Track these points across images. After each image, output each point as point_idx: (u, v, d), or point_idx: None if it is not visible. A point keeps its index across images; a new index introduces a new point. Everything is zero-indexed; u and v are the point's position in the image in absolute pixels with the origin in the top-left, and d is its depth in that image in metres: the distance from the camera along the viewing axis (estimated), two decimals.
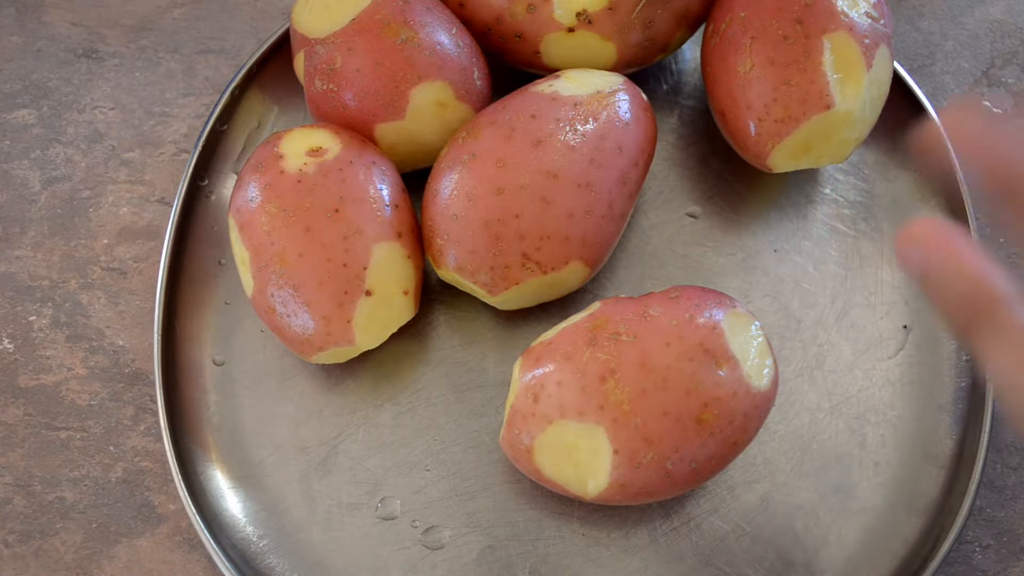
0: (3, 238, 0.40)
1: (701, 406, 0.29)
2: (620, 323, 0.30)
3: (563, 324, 0.32)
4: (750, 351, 0.30)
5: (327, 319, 0.32)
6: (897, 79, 0.39)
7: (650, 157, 0.35)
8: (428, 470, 0.35)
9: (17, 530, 0.36)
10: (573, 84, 0.34)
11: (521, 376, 0.31)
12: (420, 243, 0.35)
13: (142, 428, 0.37)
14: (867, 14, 0.34)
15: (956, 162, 0.38)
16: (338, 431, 0.36)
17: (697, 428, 0.29)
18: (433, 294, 0.38)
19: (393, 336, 0.34)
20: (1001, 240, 0.40)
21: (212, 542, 0.33)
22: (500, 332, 0.37)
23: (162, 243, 0.38)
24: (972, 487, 0.33)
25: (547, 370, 0.30)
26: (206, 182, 0.40)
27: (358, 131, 0.35)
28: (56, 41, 0.44)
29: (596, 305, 0.32)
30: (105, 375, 0.38)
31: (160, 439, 0.36)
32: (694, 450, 0.29)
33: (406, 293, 0.34)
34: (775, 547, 0.34)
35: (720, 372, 0.29)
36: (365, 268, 0.32)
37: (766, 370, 0.31)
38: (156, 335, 0.36)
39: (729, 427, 0.30)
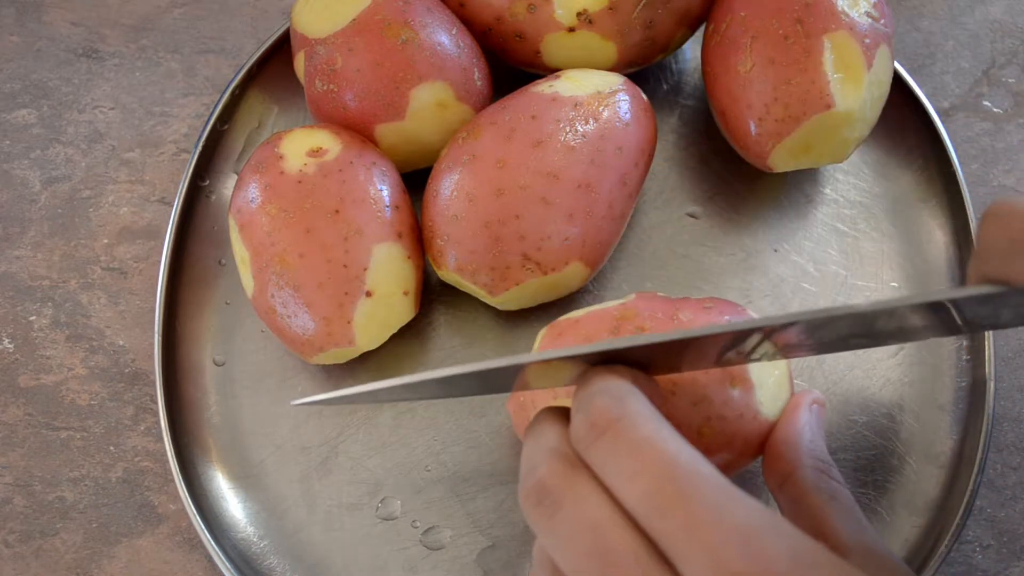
0: (3, 238, 0.40)
1: (704, 419, 0.28)
2: (648, 319, 0.30)
3: (594, 307, 0.32)
4: (768, 379, 0.29)
5: (327, 320, 0.32)
6: (897, 79, 0.39)
7: (650, 157, 0.35)
8: (428, 470, 0.35)
9: (17, 530, 0.36)
10: (573, 84, 0.34)
11: (541, 348, 0.31)
12: (420, 244, 0.35)
13: (142, 428, 0.37)
14: (867, 14, 0.34)
15: (956, 162, 0.38)
16: (338, 431, 0.36)
17: (696, 440, 0.28)
18: (433, 294, 0.38)
19: (393, 336, 0.34)
20: None
21: (212, 542, 0.33)
22: (500, 332, 0.37)
23: (162, 243, 0.38)
24: (972, 487, 0.33)
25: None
26: (206, 182, 0.40)
27: (358, 131, 0.35)
28: (56, 41, 0.44)
29: (631, 296, 0.32)
30: (105, 375, 0.38)
31: (160, 439, 0.36)
32: None
33: (406, 294, 0.34)
34: None
35: (732, 391, 0.29)
36: (365, 269, 0.32)
37: (780, 403, 0.30)
38: (156, 335, 0.36)
39: (727, 447, 0.29)
